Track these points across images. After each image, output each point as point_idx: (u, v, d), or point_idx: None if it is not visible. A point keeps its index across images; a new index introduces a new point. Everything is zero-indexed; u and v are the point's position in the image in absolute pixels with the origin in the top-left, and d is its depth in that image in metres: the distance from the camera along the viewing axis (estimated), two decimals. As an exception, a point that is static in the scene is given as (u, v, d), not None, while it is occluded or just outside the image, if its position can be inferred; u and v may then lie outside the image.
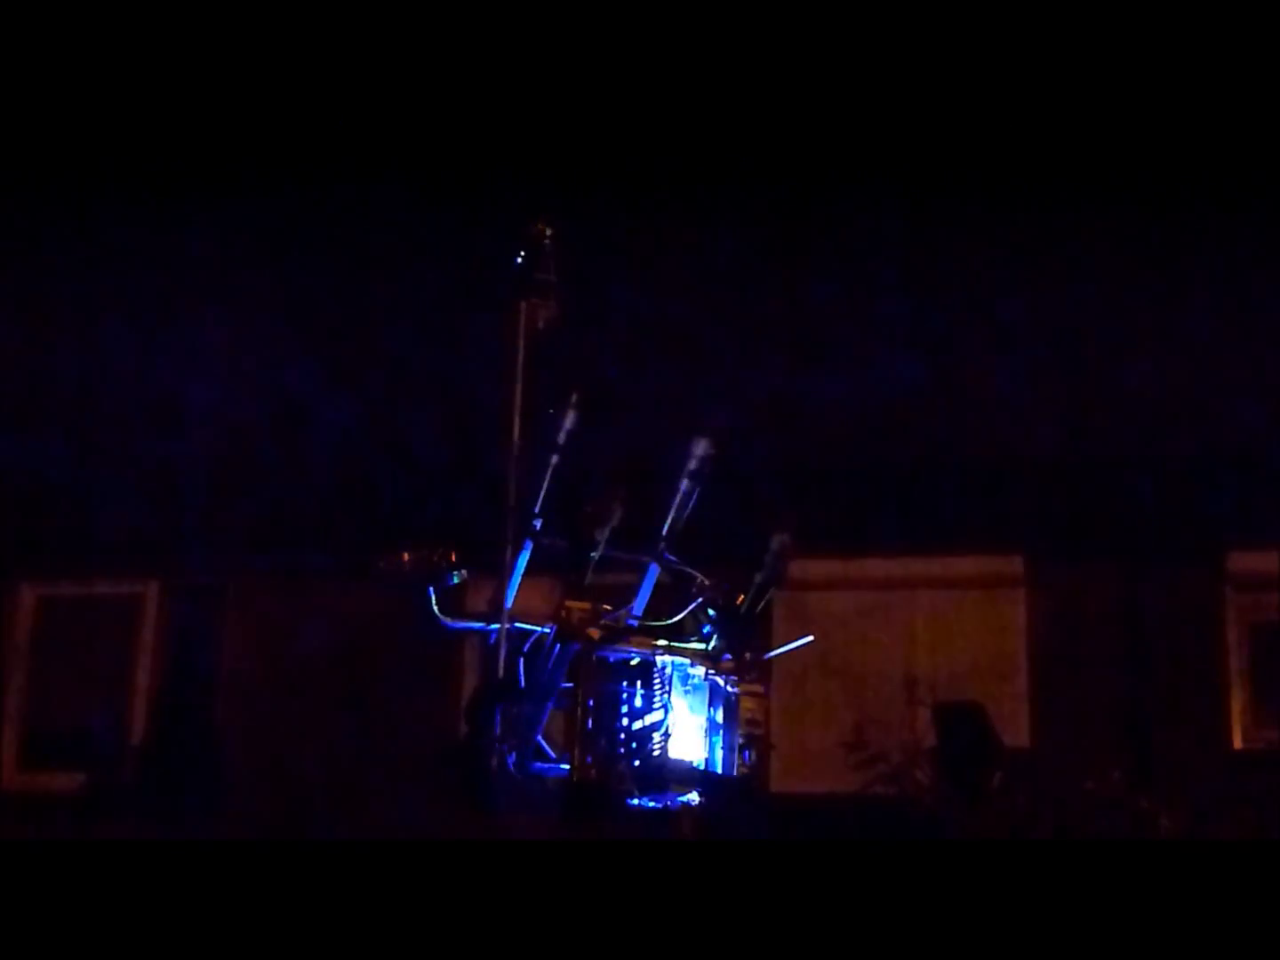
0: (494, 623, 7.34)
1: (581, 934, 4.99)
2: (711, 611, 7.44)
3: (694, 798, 7.19)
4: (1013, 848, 5.43)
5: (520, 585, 7.40)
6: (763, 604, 7.53)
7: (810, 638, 7.82)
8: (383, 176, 9.31)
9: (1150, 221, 8.73)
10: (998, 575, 9.36)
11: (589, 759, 7.20)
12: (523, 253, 7.47)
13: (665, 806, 7.15)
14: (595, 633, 7.29)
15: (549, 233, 7.50)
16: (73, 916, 4.97)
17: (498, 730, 7.27)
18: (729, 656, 7.44)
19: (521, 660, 7.36)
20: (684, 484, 7.43)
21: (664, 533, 7.41)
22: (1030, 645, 9.17)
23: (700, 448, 7.43)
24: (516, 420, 7.46)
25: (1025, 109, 8.42)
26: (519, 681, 7.35)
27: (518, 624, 7.34)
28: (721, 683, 7.54)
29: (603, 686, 7.28)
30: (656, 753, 7.42)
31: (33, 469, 10.36)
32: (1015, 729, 8.69)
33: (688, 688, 7.61)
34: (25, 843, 5.79)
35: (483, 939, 4.98)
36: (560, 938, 4.98)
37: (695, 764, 7.49)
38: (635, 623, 7.39)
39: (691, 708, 7.58)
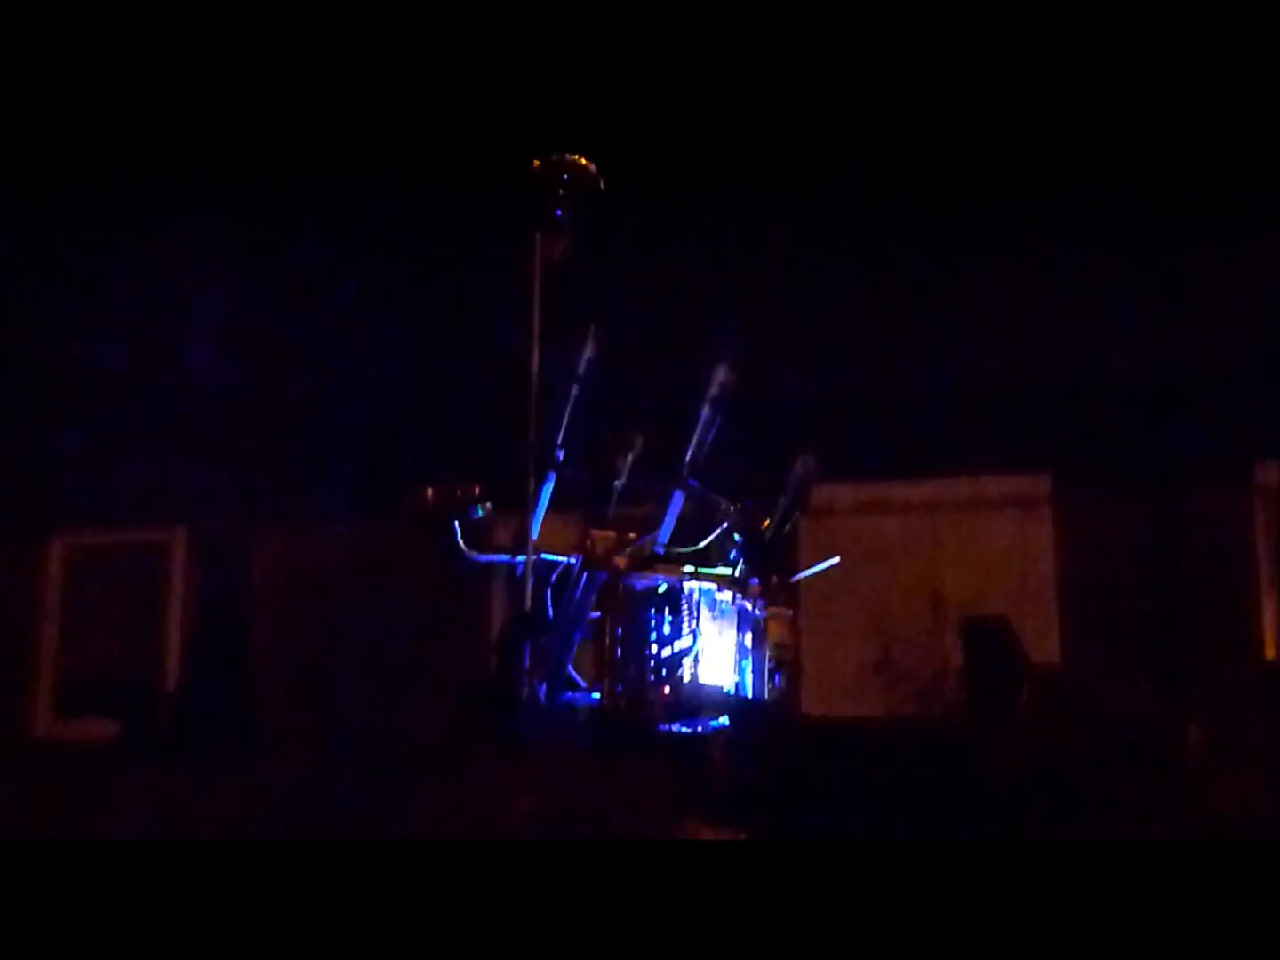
0: (520, 555, 7.42)
1: (581, 934, 5.00)
2: (737, 537, 7.49)
3: (724, 722, 7.27)
4: (1011, 848, 5.46)
5: (545, 518, 7.46)
6: (788, 529, 7.57)
7: (836, 559, 7.85)
8: (399, 112, 9.32)
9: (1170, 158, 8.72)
10: (1025, 495, 9.35)
11: (619, 687, 7.30)
12: (535, 185, 7.50)
13: (696, 732, 7.23)
14: (621, 561, 7.36)
15: (562, 164, 7.51)
16: (67, 916, 4.97)
17: (527, 662, 7.37)
18: (756, 581, 7.51)
19: (549, 592, 7.44)
20: (705, 411, 7.45)
21: (687, 460, 7.44)
22: (1058, 564, 9.17)
23: (721, 374, 7.46)
24: (535, 353, 7.51)
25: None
26: (547, 613, 7.42)
27: (544, 555, 7.42)
28: (749, 607, 7.61)
29: (630, 615, 7.36)
30: (686, 679, 7.50)
31: (58, 421, 10.44)
32: (1045, 647, 8.68)
33: (715, 613, 7.68)
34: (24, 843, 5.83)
35: (482, 939, 4.99)
36: (560, 938, 4.99)
37: (725, 689, 7.57)
38: (661, 550, 7.44)
39: (720, 633, 7.65)
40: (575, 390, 7.45)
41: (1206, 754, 6.29)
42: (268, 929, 4.94)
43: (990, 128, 8.87)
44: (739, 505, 7.47)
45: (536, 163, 7.51)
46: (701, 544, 7.46)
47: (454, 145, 9.36)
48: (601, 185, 7.50)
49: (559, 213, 7.44)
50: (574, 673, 7.44)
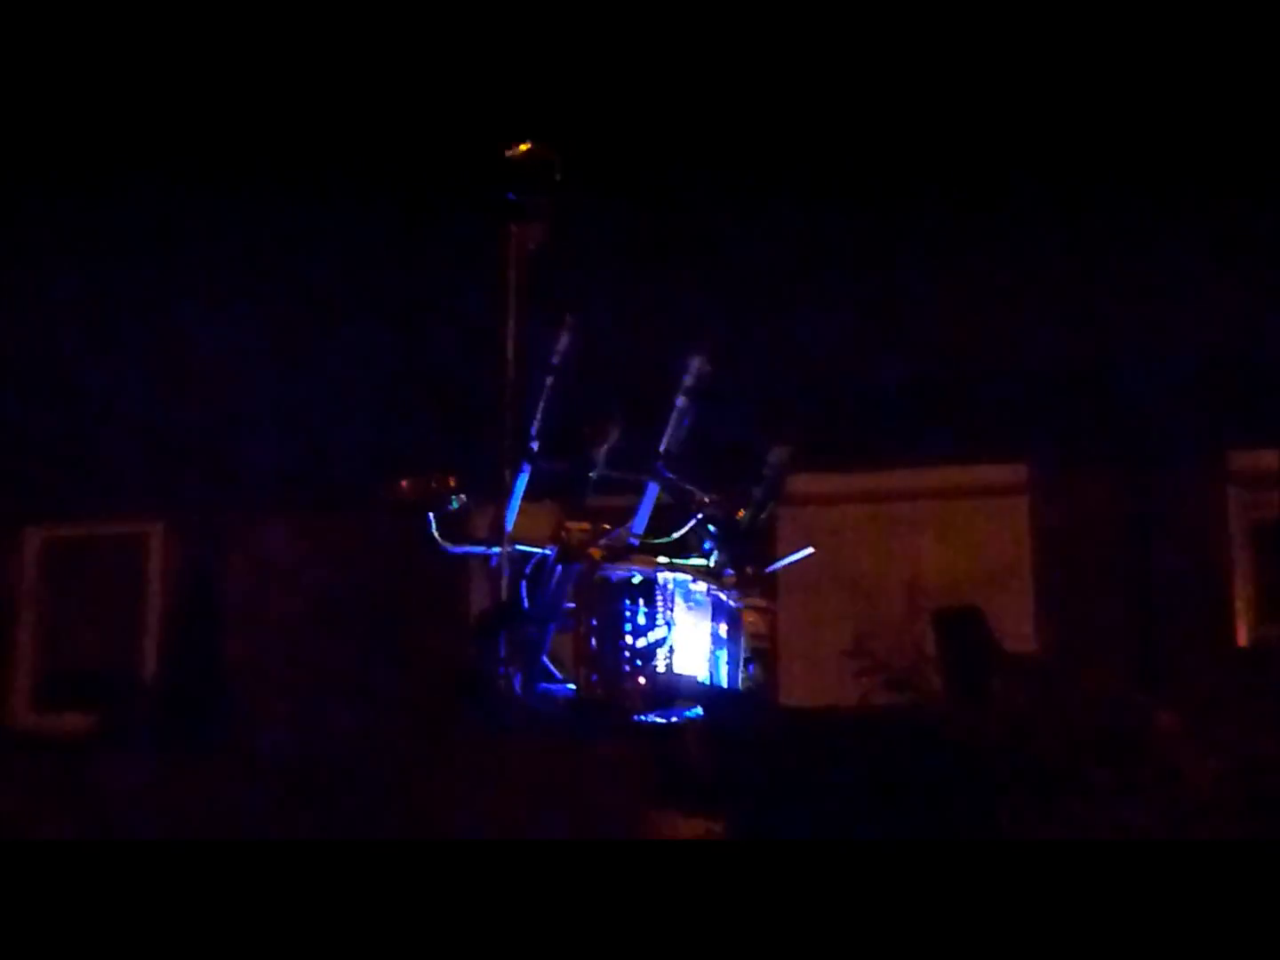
0: (495, 546, 7.42)
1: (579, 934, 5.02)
2: (712, 527, 7.51)
3: (700, 712, 7.30)
4: (1011, 849, 5.49)
5: (521, 509, 7.44)
6: (763, 519, 7.59)
7: (811, 550, 7.87)
8: (378, 99, 9.31)
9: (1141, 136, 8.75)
10: (1001, 484, 9.38)
11: (595, 678, 7.31)
12: (511, 175, 7.50)
13: (671, 721, 7.26)
14: (596, 552, 7.37)
15: (538, 154, 7.51)
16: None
17: (503, 653, 7.38)
18: (731, 572, 7.53)
19: (524, 583, 7.45)
20: (681, 401, 7.46)
21: (662, 451, 7.46)
22: (1033, 552, 9.21)
23: (696, 364, 7.47)
24: (510, 344, 7.52)
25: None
26: (522, 604, 7.43)
27: (519, 546, 7.42)
28: (725, 598, 7.63)
29: (606, 606, 7.34)
30: (661, 669, 7.51)
31: (33, 412, 10.41)
32: (1020, 634, 8.74)
33: (691, 604, 7.68)
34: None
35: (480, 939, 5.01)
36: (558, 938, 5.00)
37: (700, 679, 7.59)
38: (636, 541, 7.45)
39: (695, 624, 7.66)
40: (551, 381, 7.43)
41: (1178, 739, 6.34)
42: (249, 925, 4.97)
43: (959, 112, 8.88)
44: (714, 496, 7.49)
45: (509, 150, 7.50)
46: (676, 535, 7.48)
47: (424, 131, 9.35)
48: (558, 173, 7.49)
49: (525, 199, 7.44)
50: (550, 663, 7.43)
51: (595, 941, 4.97)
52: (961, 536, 9.30)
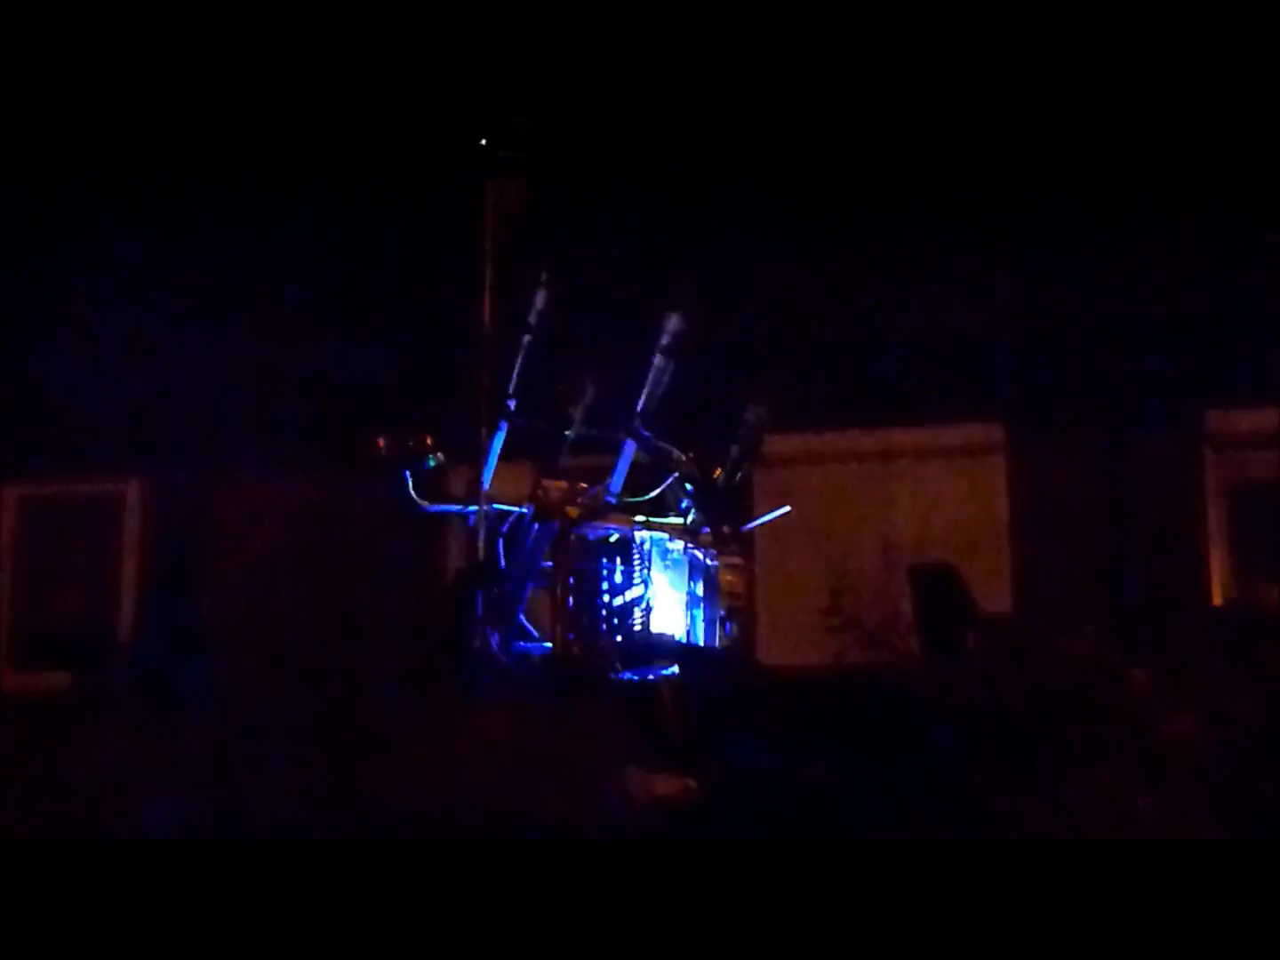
0: (472, 505, 7.45)
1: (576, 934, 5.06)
2: (688, 486, 7.54)
3: (676, 671, 7.34)
4: (1012, 849, 5.53)
5: (497, 469, 7.47)
6: (739, 477, 7.61)
7: (787, 508, 7.90)
8: (343, 57, 9.26)
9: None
10: (978, 444, 9.35)
11: (571, 636, 7.35)
12: (489, 132, 7.48)
13: (648, 680, 7.30)
14: (573, 511, 7.40)
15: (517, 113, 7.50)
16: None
17: (480, 612, 7.40)
18: (707, 530, 7.56)
19: (501, 542, 7.47)
20: (657, 360, 7.47)
21: (639, 410, 7.46)
22: (1011, 512, 9.21)
23: (673, 323, 7.46)
24: (487, 302, 7.50)
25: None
26: (499, 563, 7.46)
27: (496, 505, 7.44)
28: (701, 556, 7.66)
29: (582, 564, 7.39)
30: (638, 628, 7.55)
31: (8, 370, 10.37)
32: (997, 594, 8.74)
33: (667, 562, 7.72)
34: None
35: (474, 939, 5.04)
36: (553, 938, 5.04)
37: (677, 637, 7.63)
38: (613, 500, 7.46)
39: (672, 582, 7.69)
40: (527, 339, 7.46)
41: (1151, 696, 6.38)
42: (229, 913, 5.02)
43: (940, 77, 8.85)
44: (690, 455, 7.51)
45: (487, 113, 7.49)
46: (653, 493, 7.49)
47: (402, 89, 9.30)
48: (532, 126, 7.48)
49: (499, 152, 7.43)
50: (526, 622, 7.46)
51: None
52: (937, 496, 9.28)
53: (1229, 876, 4.86)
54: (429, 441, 7.32)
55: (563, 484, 7.47)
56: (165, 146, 9.80)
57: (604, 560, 7.47)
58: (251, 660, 9.41)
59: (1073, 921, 4.78)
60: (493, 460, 7.44)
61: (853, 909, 4.96)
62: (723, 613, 7.64)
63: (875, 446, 9.40)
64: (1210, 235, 8.81)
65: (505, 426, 7.45)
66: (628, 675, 7.29)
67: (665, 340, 7.45)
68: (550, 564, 7.42)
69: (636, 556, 7.65)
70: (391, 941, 5.02)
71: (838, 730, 6.63)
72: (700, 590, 7.69)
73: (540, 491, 7.41)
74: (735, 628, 7.66)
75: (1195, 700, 6.32)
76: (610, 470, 7.50)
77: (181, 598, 10.05)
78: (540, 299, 7.51)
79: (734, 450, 7.51)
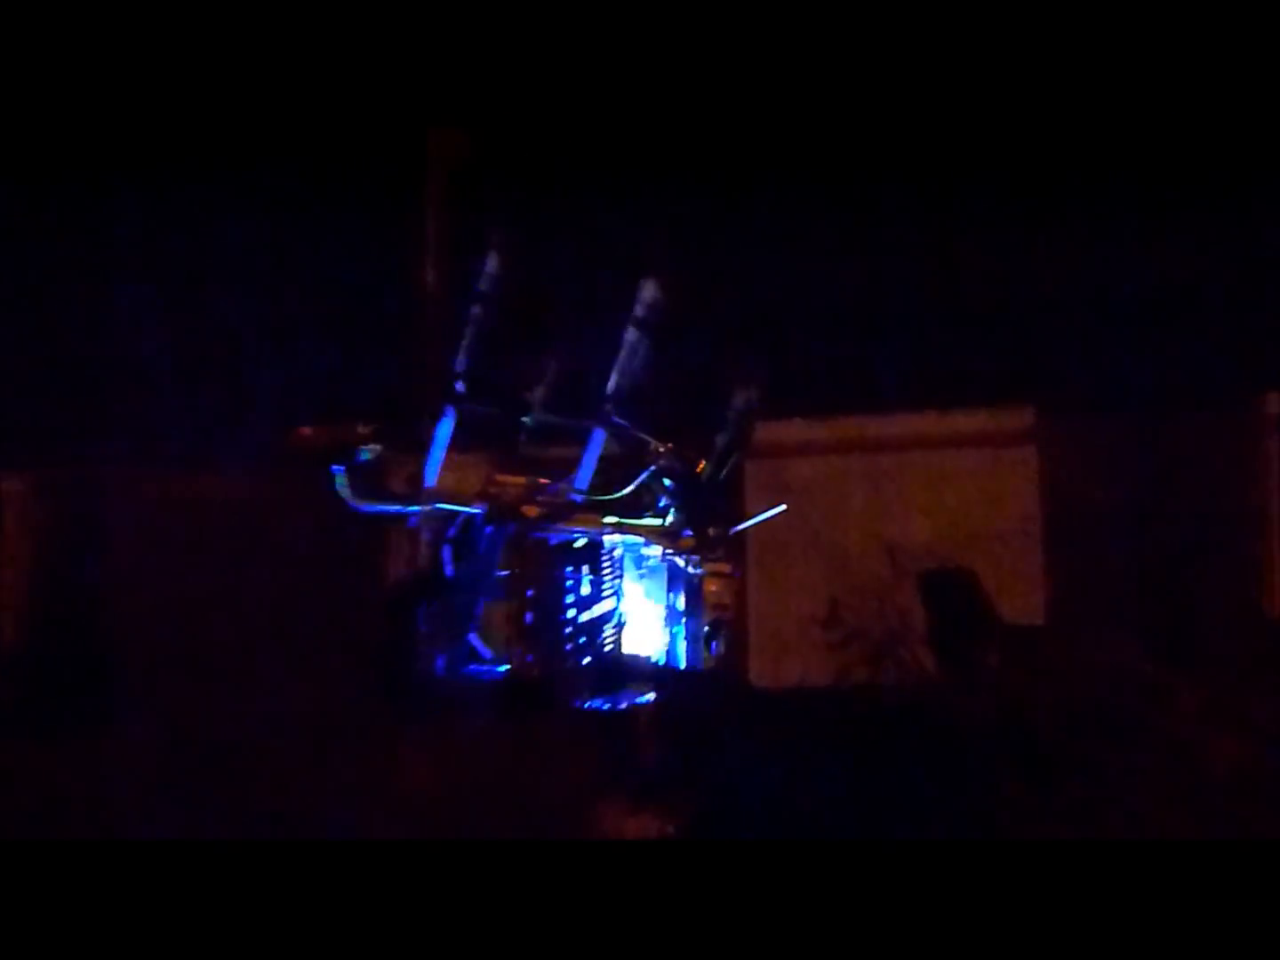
0: (414, 504, 7.60)
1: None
2: (668, 482, 7.70)
3: (652, 697, 7.51)
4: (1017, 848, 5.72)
5: (444, 460, 7.60)
6: (727, 471, 7.78)
7: (783, 508, 8.06)
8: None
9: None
10: (1004, 431, 9.50)
11: (530, 657, 7.50)
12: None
13: (620, 709, 7.43)
14: (532, 510, 7.55)
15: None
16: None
17: (423, 629, 7.54)
18: (690, 533, 7.73)
19: (448, 546, 7.64)
20: (631, 335, 7.63)
21: (610, 392, 7.62)
22: (1043, 509, 9.37)
23: (648, 291, 7.61)
24: (430, 266, 7.61)
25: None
26: (446, 571, 7.63)
27: (441, 504, 7.60)
28: (682, 563, 7.85)
29: (544, 573, 7.54)
30: (609, 647, 7.73)
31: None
32: (1024, 603, 8.92)
33: (643, 571, 7.95)
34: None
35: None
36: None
37: (654, 658, 7.80)
38: (579, 498, 7.64)
39: (648, 593, 7.92)
40: (478, 310, 7.55)
41: (1198, 721, 6.54)
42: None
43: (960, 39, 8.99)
44: (670, 445, 7.66)
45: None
46: (627, 490, 7.66)
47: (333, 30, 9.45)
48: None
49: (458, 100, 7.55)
50: (478, 641, 7.65)
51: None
52: (956, 492, 9.38)
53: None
54: (363, 430, 7.43)
55: (521, 479, 7.63)
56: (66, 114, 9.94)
57: (569, 568, 7.64)
58: (160, 682, 9.50)
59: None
60: (438, 452, 7.58)
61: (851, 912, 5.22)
62: (707, 628, 7.84)
63: (883, 434, 9.49)
64: (1270, 200, 8.96)
65: (452, 412, 7.57)
66: (597, 703, 7.45)
67: (640, 311, 7.61)
68: (506, 573, 7.59)
69: (607, 564, 7.84)
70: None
71: (840, 762, 6.74)
72: (681, 603, 7.93)
73: (494, 488, 7.57)
74: (722, 645, 7.86)
75: (1249, 723, 6.47)
76: (576, 463, 7.66)
77: (77, 607, 10.15)
78: (492, 262, 7.58)
79: (720, 439, 7.69)
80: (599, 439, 7.64)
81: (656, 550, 7.73)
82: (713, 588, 7.79)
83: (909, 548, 8.87)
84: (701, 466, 7.66)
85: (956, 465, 9.41)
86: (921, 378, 9.39)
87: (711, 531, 7.74)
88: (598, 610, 7.74)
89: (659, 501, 7.72)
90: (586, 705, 7.45)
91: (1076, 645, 7.01)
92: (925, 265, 9.44)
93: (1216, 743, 6.39)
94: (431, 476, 7.55)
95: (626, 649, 7.73)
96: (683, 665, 7.82)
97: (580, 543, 7.70)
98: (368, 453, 7.44)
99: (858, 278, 9.48)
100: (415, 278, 7.68)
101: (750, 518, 8.21)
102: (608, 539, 7.70)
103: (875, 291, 9.48)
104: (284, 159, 9.66)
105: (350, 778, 6.66)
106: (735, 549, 8.09)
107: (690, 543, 7.72)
